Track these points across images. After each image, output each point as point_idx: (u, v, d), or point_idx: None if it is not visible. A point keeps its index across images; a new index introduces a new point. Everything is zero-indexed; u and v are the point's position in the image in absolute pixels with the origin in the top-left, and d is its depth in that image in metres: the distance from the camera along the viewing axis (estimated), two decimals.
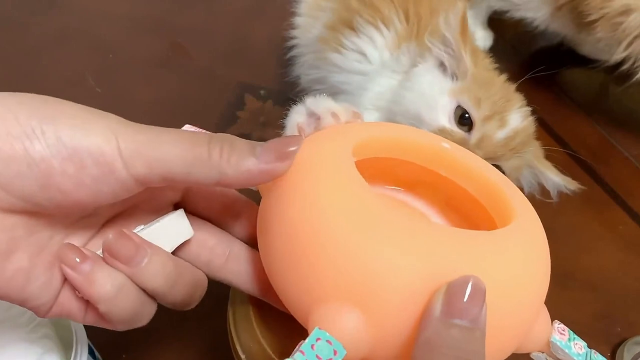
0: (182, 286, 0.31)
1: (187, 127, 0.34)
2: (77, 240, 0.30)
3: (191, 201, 0.34)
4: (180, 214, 0.32)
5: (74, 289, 0.29)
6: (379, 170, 0.36)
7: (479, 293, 0.24)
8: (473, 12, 0.78)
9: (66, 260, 0.28)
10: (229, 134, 0.29)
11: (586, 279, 0.57)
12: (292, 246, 0.28)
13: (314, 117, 0.37)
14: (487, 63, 0.53)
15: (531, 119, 0.51)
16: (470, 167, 0.35)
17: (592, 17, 0.63)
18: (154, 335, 0.48)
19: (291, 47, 0.68)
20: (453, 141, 0.45)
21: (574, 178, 0.52)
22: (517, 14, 0.74)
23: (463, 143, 0.47)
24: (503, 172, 0.48)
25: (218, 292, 0.49)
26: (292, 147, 0.29)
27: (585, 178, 0.66)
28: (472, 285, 0.24)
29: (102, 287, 0.28)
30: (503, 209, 0.32)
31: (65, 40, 0.75)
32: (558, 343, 0.32)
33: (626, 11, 0.61)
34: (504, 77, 0.53)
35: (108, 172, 0.26)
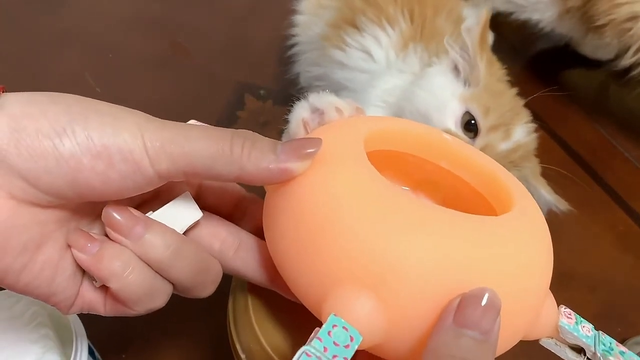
0: (187, 261, 0.31)
1: (192, 122, 0.35)
2: (99, 231, 0.31)
3: (203, 196, 0.35)
4: (186, 196, 0.33)
5: (90, 276, 0.30)
6: (380, 163, 0.36)
7: (494, 306, 0.25)
8: (475, 13, 0.78)
9: (75, 244, 0.29)
10: (250, 131, 0.30)
11: (586, 279, 0.57)
12: (305, 235, 0.28)
13: (318, 112, 0.37)
14: (501, 74, 0.53)
15: (535, 135, 0.52)
16: (469, 157, 0.35)
17: (600, 22, 0.64)
18: (154, 335, 0.48)
19: (291, 45, 0.68)
20: None
21: (574, 178, 0.52)
22: (523, 16, 0.74)
23: None
24: None
25: (218, 291, 0.49)
26: (312, 148, 0.29)
27: (585, 178, 0.66)
28: (487, 298, 0.24)
29: (110, 263, 0.29)
30: (503, 198, 0.33)
31: (65, 40, 0.75)
32: (566, 327, 0.32)
33: (633, 18, 0.61)
34: (514, 90, 0.53)
35: (135, 169, 0.27)
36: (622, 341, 0.52)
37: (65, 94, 0.28)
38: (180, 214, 0.32)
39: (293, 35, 0.68)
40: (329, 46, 0.60)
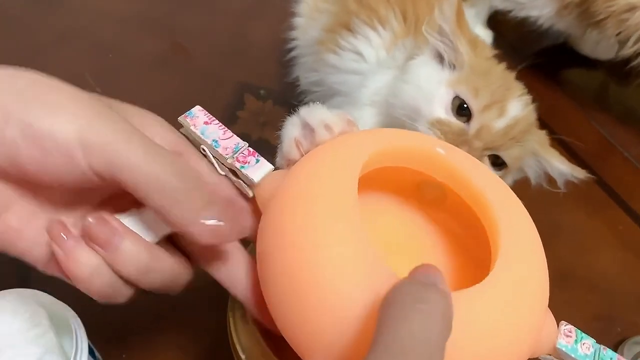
0: (157, 276, 0.31)
1: (197, 108, 0.36)
2: (68, 217, 0.32)
3: None
4: None
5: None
6: (381, 177, 0.36)
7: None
8: (474, 12, 0.78)
9: (53, 235, 0.30)
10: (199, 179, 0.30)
11: (586, 279, 0.57)
12: (292, 292, 0.29)
13: (309, 128, 0.37)
14: (487, 52, 0.52)
15: (532, 107, 0.51)
16: (461, 172, 0.35)
17: (601, 17, 0.64)
18: (154, 335, 0.48)
19: (291, 49, 0.68)
20: (451, 132, 0.47)
21: (563, 187, 0.52)
22: (522, 13, 0.74)
23: (462, 134, 0.47)
24: (504, 162, 0.49)
25: (218, 292, 0.49)
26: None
27: (585, 178, 0.66)
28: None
29: (79, 268, 0.29)
30: (490, 224, 0.33)
31: (65, 40, 0.75)
32: (563, 348, 0.32)
33: (631, 9, 0.62)
34: (503, 65, 0.52)
35: (68, 161, 0.28)
36: (622, 341, 0.52)
37: (26, 73, 0.29)
38: (156, 222, 0.31)
39: (292, 39, 0.68)
40: (324, 50, 0.60)
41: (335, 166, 0.33)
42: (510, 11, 0.75)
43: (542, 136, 0.52)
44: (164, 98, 0.68)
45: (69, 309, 0.38)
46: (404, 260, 0.39)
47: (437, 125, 0.48)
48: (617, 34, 0.65)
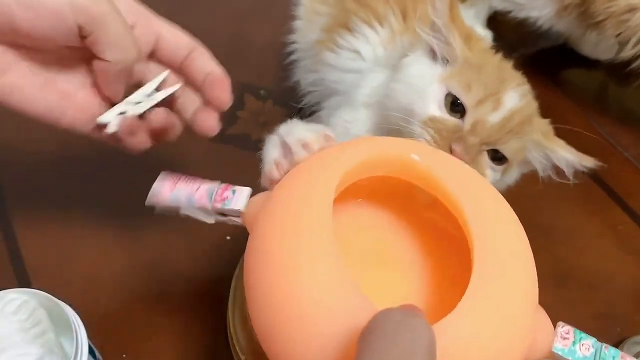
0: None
1: (159, 178, 0.38)
2: (59, 76, 0.39)
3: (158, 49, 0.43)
4: (165, 72, 0.42)
5: None
6: (373, 184, 0.37)
7: None
8: (474, 12, 0.78)
9: None
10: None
11: (585, 279, 0.57)
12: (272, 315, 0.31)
13: (288, 148, 0.39)
14: (482, 44, 0.51)
15: (530, 97, 0.49)
16: (436, 181, 0.35)
17: (600, 18, 0.64)
18: (154, 335, 0.48)
19: (291, 52, 0.68)
20: (445, 130, 0.46)
21: (573, 178, 0.51)
22: (521, 14, 0.74)
23: (456, 130, 0.46)
24: (504, 157, 0.47)
25: (218, 292, 0.49)
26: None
27: (585, 178, 0.66)
28: None
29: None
30: (466, 231, 0.33)
31: None
32: (560, 352, 0.32)
33: (631, 10, 0.62)
34: (499, 56, 0.51)
35: (59, 20, 0.35)
36: (621, 341, 0.52)
37: None
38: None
39: (292, 42, 0.68)
40: (323, 49, 0.60)
41: (311, 190, 0.34)
42: (509, 12, 0.75)
43: (545, 126, 0.50)
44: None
45: (69, 308, 0.38)
46: (391, 272, 0.40)
47: (431, 124, 0.47)
48: (617, 35, 0.65)
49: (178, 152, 0.61)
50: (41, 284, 0.49)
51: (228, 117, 0.67)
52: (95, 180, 0.57)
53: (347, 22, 0.58)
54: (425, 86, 0.48)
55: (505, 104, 0.47)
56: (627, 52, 0.65)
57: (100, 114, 0.40)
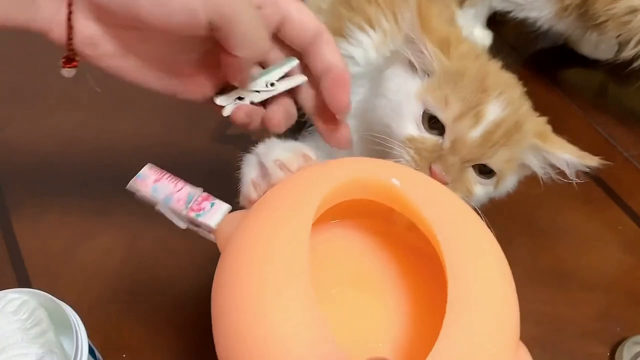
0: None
1: (147, 167, 0.37)
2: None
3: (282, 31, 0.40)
4: (294, 61, 0.40)
5: None
6: (354, 206, 0.36)
7: None
8: (473, 12, 0.78)
9: None
10: None
11: (586, 279, 0.57)
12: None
13: (265, 168, 0.38)
14: (464, 49, 0.46)
15: (517, 103, 0.46)
16: (414, 209, 0.33)
17: (601, 19, 0.64)
18: (154, 335, 0.48)
19: None
20: (425, 150, 0.44)
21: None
22: (521, 14, 0.74)
23: (436, 149, 0.44)
24: (492, 171, 0.45)
25: None
26: None
27: (585, 178, 0.66)
28: None
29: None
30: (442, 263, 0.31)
31: None
32: None
33: (633, 11, 0.62)
34: (483, 59, 0.47)
35: (191, 16, 0.34)
36: (622, 341, 0.52)
37: None
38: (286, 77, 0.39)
39: None
40: None
41: (287, 217, 0.32)
42: (509, 12, 0.75)
43: (541, 125, 0.47)
44: (163, 98, 0.68)
45: (69, 308, 0.38)
46: (368, 295, 0.38)
47: (409, 144, 0.44)
48: (618, 36, 0.66)
49: (178, 151, 0.61)
50: (41, 284, 0.49)
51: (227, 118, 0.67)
52: (95, 180, 0.57)
53: (341, 29, 0.58)
54: (403, 103, 0.45)
55: (486, 116, 0.43)
56: (628, 53, 0.65)
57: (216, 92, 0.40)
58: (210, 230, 0.35)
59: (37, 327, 0.37)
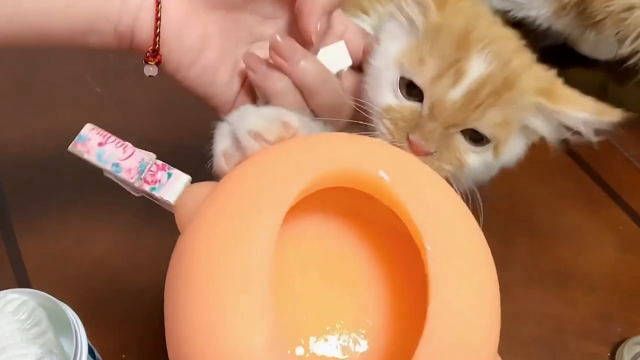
0: (330, 93, 0.39)
1: (87, 127, 0.32)
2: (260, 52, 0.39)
3: None
4: (340, 45, 0.41)
5: (252, 89, 0.40)
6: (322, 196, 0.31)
7: None
8: None
9: (249, 64, 0.38)
10: None
11: (586, 279, 0.57)
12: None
13: (238, 141, 0.33)
14: (465, 6, 0.41)
15: (506, 56, 0.40)
16: (402, 206, 0.30)
17: (600, 17, 0.64)
18: (154, 335, 0.48)
19: None
20: (402, 120, 0.39)
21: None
22: (520, 14, 0.74)
23: (413, 118, 0.39)
24: (483, 136, 0.40)
25: None
26: None
27: (585, 178, 0.66)
28: None
29: (274, 84, 0.38)
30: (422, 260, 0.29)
31: None
32: None
33: (629, 8, 0.62)
34: (473, 12, 0.41)
35: None
36: (622, 341, 0.52)
37: None
38: (333, 59, 0.40)
39: None
40: None
41: (258, 205, 0.27)
42: (509, 11, 0.75)
43: (545, 81, 0.41)
44: (164, 99, 0.68)
45: (69, 309, 0.38)
46: (340, 287, 0.34)
47: (387, 114, 0.40)
48: (616, 34, 0.66)
49: (180, 151, 0.61)
50: (40, 284, 0.49)
51: None
52: (95, 180, 0.57)
53: None
54: (382, 70, 0.41)
55: (468, 73, 0.38)
56: (625, 49, 0.65)
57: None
58: (169, 205, 0.31)
59: (37, 327, 0.37)
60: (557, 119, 0.41)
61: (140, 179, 0.31)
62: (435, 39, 0.39)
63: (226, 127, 0.35)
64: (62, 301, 0.38)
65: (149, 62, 0.41)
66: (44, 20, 0.36)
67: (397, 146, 0.38)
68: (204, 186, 0.31)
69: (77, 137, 0.32)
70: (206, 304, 0.26)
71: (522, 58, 0.41)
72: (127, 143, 0.32)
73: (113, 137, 0.32)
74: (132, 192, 0.32)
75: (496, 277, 0.30)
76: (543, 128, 0.42)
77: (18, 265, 0.51)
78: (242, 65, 0.40)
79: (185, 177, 0.32)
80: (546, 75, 0.42)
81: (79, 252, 0.53)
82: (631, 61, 0.66)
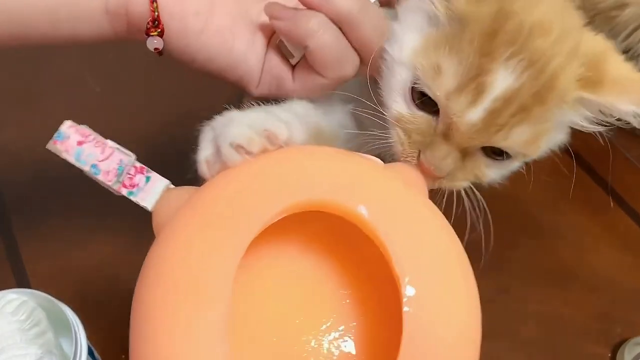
0: (373, 21, 0.34)
1: (67, 125, 0.31)
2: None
3: None
4: None
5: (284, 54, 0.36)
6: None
7: None
8: None
9: (272, 13, 0.34)
10: None
11: (586, 280, 0.57)
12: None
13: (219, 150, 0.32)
14: None
15: (543, 60, 0.32)
16: (381, 242, 0.28)
17: (590, 14, 0.65)
18: None
19: None
20: (416, 132, 0.34)
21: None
22: None
23: (428, 133, 0.34)
24: (507, 154, 0.35)
25: None
26: None
27: (585, 178, 0.66)
28: None
29: (307, 23, 0.33)
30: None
31: None
32: None
33: (620, 6, 0.63)
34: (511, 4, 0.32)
35: None
36: (622, 342, 0.52)
37: None
38: None
39: None
40: None
41: (226, 224, 0.27)
42: None
43: (592, 64, 0.34)
44: (163, 99, 0.68)
45: (68, 309, 0.38)
46: (311, 316, 0.33)
47: (400, 123, 0.35)
48: (609, 31, 0.66)
49: (183, 152, 0.61)
50: (40, 284, 0.49)
51: None
52: (95, 181, 0.57)
53: None
54: (395, 68, 0.35)
55: (492, 89, 0.31)
56: (617, 47, 0.65)
57: None
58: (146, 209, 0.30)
59: (36, 327, 0.37)
60: (601, 112, 0.36)
61: (119, 182, 0.30)
62: (456, 37, 0.32)
63: (210, 133, 0.33)
64: (62, 302, 0.38)
65: (151, 34, 0.37)
66: (15, 9, 0.32)
67: (405, 160, 0.35)
68: (183, 191, 0.30)
69: (55, 135, 0.30)
70: (166, 318, 0.26)
71: (568, 43, 0.34)
72: (106, 142, 0.31)
73: (93, 135, 0.31)
74: (112, 191, 0.31)
75: (474, 289, 0.30)
76: (585, 123, 0.37)
77: (18, 266, 0.51)
78: (261, 21, 0.36)
79: (164, 182, 0.31)
80: (594, 54, 0.35)
81: (79, 253, 0.53)
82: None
